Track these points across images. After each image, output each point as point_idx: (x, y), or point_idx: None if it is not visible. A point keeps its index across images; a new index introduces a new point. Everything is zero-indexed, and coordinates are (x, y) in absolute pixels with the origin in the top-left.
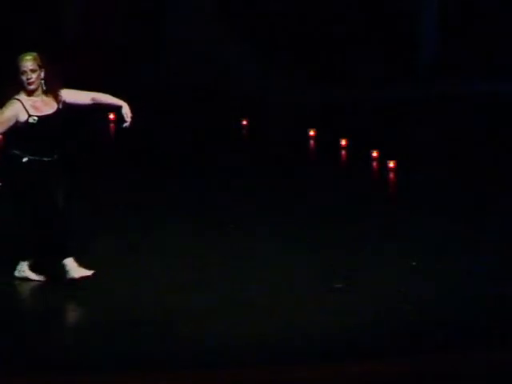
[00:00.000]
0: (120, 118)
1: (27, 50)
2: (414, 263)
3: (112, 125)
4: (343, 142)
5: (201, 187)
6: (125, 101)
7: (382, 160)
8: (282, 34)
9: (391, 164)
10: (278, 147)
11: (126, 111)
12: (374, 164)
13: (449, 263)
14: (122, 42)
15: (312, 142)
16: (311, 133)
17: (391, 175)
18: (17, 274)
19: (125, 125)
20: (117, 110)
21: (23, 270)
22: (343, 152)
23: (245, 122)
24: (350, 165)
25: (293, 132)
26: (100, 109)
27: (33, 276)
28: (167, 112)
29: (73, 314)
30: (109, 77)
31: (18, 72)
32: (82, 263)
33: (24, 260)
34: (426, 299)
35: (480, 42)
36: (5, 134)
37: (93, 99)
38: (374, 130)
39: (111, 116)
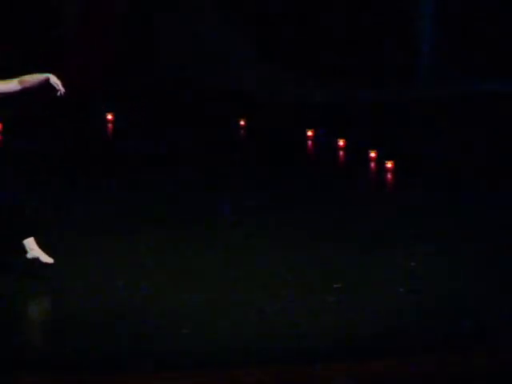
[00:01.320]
0: (51, 88)
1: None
2: (412, 263)
3: (110, 125)
4: (341, 143)
5: (200, 187)
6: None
7: (380, 160)
8: (281, 34)
9: (389, 164)
10: (275, 147)
11: (54, 80)
12: (372, 164)
13: (448, 263)
14: (122, 42)
15: (310, 142)
16: (309, 133)
17: (389, 176)
18: (29, 255)
19: (58, 93)
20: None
21: (33, 249)
22: (341, 152)
23: (242, 123)
24: (348, 165)
25: (290, 132)
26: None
27: (44, 257)
28: (165, 112)
29: (71, 315)
30: (109, 77)
31: None
32: None
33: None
34: (426, 299)
35: (480, 42)
36: None
37: (20, 82)
38: (372, 131)
39: (109, 117)
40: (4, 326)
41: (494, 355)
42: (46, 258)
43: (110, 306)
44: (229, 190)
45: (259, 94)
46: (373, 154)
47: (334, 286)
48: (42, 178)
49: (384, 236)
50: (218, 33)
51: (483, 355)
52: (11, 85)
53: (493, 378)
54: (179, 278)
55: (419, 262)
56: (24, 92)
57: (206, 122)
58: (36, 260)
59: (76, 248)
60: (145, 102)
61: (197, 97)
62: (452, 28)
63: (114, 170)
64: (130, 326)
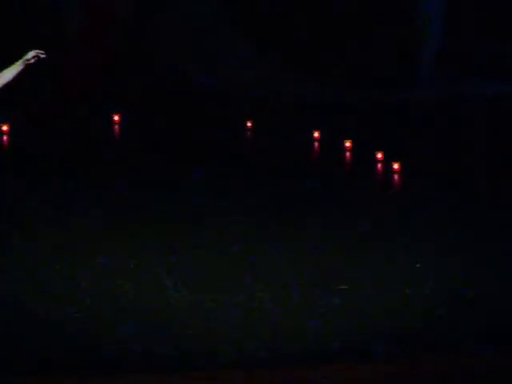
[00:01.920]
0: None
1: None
2: (418, 265)
3: (116, 127)
4: (348, 144)
5: (200, 187)
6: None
7: (387, 162)
8: (282, 34)
9: (395, 166)
10: (281, 149)
11: (32, 54)
12: (379, 166)
13: (452, 264)
14: (122, 42)
15: (316, 143)
16: (315, 134)
17: (395, 177)
18: None
19: (42, 57)
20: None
21: None
22: (347, 154)
23: (249, 124)
24: (355, 166)
25: (296, 133)
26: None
27: None
28: (165, 112)
29: (71, 314)
30: (109, 77)
31: None
32: None
33: None
34: (427, 299)
35: (484, 42)
36: None
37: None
38: (379, 132)
39: (116, 118)
40: (3, 326)
41: (494, 355)
42: None
43: (109, 306)
44: (230, 190)
45: (260, 94)
46: (379, 156)
47: (339, 287)
48: (44, 178)
49: (387, 237)
50: (218, 33)
51: (483, 355)
52: None
53: (493, 378)
54: (179, 278)
55: (422, 263)
56: (9, 85)
57: (206, 122)
58: None
59: (76, 248)
60: (144, 102)
61: (197, 97)
62: (453, 28)
63: (115, 170)
64: (130, 326)
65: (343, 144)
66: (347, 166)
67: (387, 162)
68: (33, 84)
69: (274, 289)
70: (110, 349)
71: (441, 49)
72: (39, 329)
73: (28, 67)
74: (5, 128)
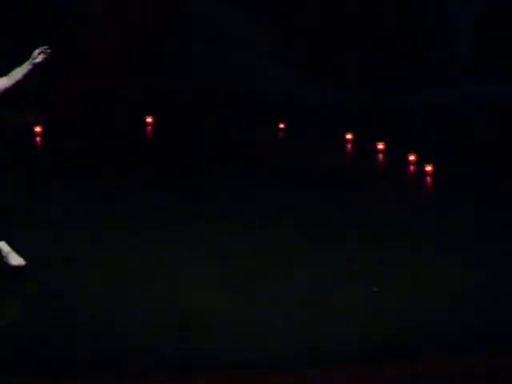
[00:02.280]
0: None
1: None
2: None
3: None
4: (380, 146)
5: (230, 187)
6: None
7: (420, 164)
8: (282, 34)
9: (428, 168)
10: (313, 150)
11: (37, 52)
12: (411, 168)
13: (452, 264)
14: (138, 44)
15: (349, 145)
16: (348, 136)
17: (428, 179)
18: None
19: (48, 52)
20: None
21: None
22: (380, 155)
23: (282, 126)
24: (387, 168)
25: (330, 135)
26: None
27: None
28: (204, 113)
29: (71, 315)
30: (123, 77)
31: None
32: None
33: None
34: (427, 300)
35: (507, 44)
36: None
37: (9, 78)
38: (411, 134)
39: (149, 119)
40: (3, 328)
41: (494, 355)
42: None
43: (109, 306)
44: (252, 190)
45: (260, 94)
46: (412, 157)
47: (372, 289)
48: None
49: (415, 239)
50: (219, 34)
51: (483, 355)
52: (4, 82)
53: (493, 378)
54: (184, 280)
55: (425, 263)
56: (18, 84)
57: (217, 123)
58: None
59: (76, 248)
60: (159, 103)
61: (204, 98)
62: (481, 29)
63: (135, 168)
64: (129, 326)
65: (378, 146)
66: (383, 167)
67: (422, 163)
68: (46, 85)
69: (275, 289)
70: (110, 349)
71: (470, 50)
72: (39, 329)
73: (37, 65)
74: (38, 129)
